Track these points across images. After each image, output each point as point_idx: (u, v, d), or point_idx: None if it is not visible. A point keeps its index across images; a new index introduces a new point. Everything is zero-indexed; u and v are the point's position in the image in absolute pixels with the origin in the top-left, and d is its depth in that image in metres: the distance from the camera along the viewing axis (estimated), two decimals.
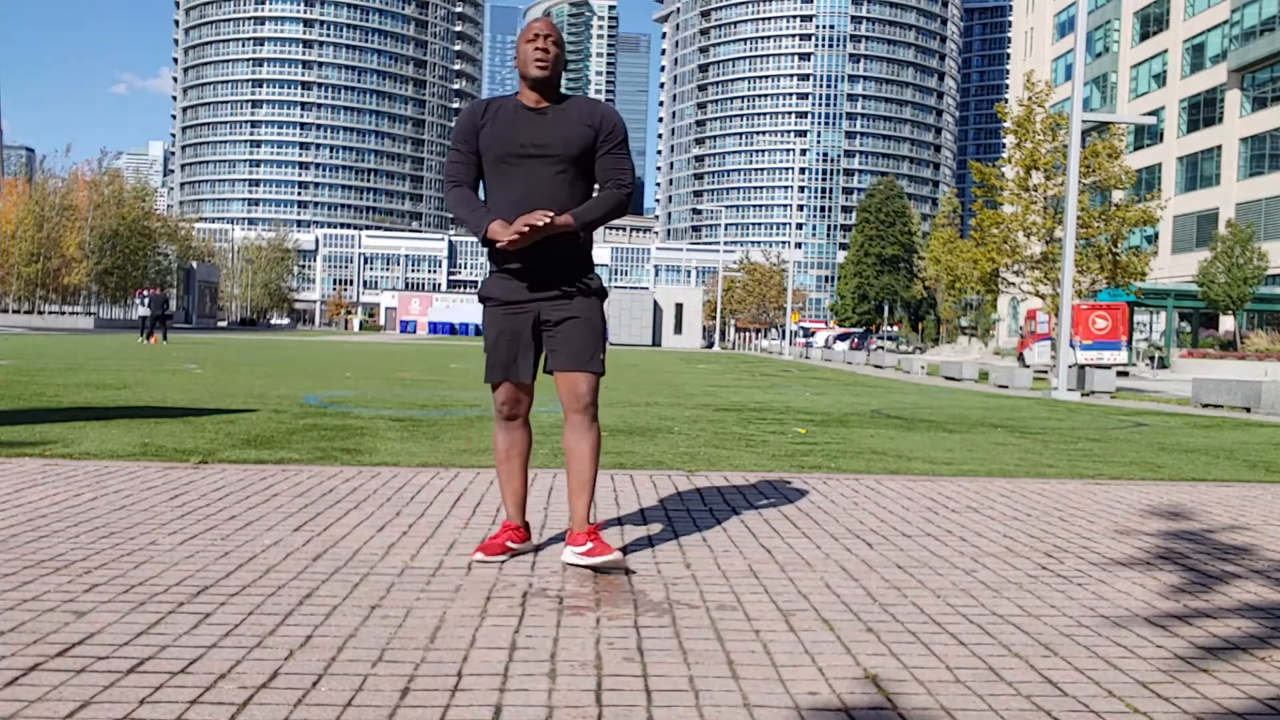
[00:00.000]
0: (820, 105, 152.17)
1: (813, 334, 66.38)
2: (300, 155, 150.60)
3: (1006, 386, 17.77)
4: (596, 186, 3.37)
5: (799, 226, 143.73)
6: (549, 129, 3.24)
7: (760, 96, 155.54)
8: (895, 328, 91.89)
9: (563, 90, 3.37)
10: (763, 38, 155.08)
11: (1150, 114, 55.40)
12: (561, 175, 3.24)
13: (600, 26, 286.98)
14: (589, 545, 3.18)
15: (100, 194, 59.66)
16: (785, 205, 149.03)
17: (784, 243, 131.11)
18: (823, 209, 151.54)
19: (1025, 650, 2.53)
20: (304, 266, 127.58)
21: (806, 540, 3.80)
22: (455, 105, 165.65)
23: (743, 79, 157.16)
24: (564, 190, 3.24)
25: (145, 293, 31.37)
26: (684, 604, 2.85)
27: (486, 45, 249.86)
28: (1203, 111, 53.38)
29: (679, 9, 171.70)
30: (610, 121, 3.31)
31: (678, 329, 59.23)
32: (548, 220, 3.06)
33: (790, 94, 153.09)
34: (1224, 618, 2.90)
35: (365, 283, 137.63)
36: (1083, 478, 5.88)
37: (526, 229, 3.06)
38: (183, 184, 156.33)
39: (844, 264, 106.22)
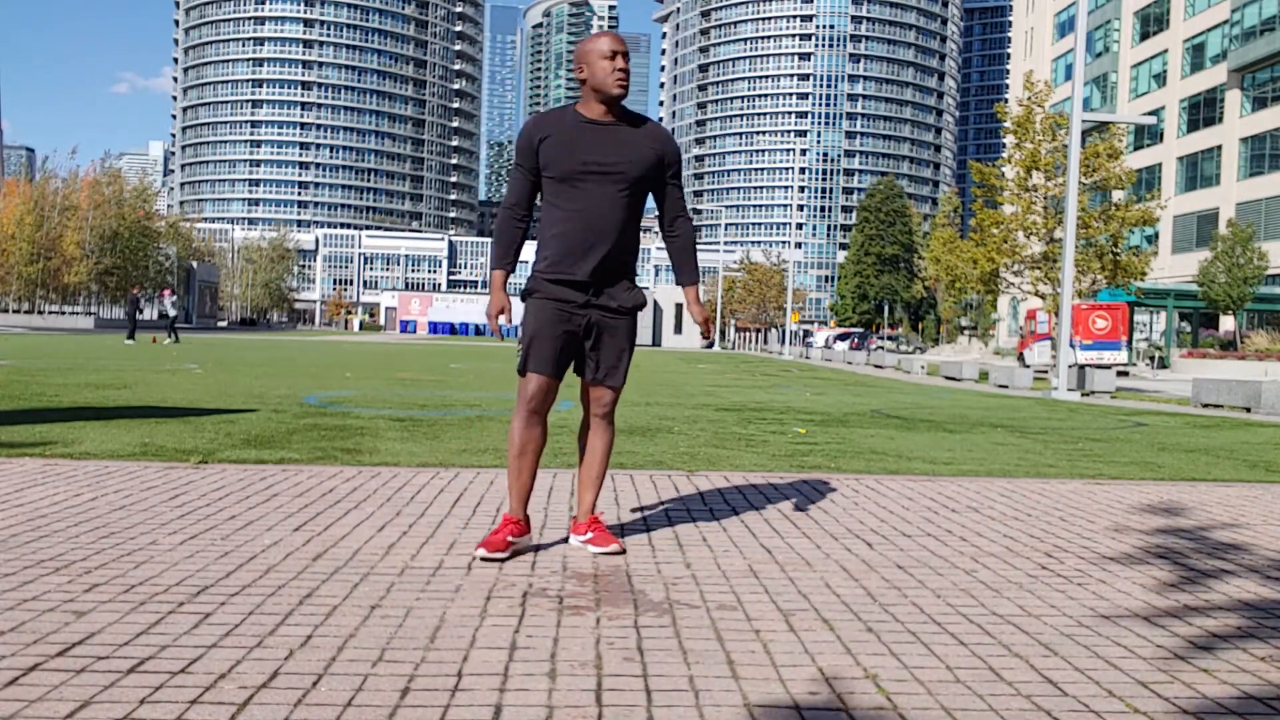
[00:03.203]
0: (820, 105, 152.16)
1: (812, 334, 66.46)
2: (300, 155, 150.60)
3: (1006, 386, 17.77)
4: (659, 215, 3.52)
5: (799, 226, 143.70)
6: (618, 147, 3.30)
7: (760, 96, 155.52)
8: (897, 330, 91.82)
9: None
10: (763, 38, 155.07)
11: (1150, 114, 55.39)
12: (624, 194, 3.32)
13: (600, 26, 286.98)
14: (590, 535, 3.49)
15: (101, 194, 59.70)
16: (785, 205, 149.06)
17: (784, 243, 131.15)
18: (823, 209, 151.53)
19: (1025, 650, 2.53)
20: (304, 266, 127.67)
21: (806, 540, 3.80)
22: (455, 105, 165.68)
23: (743, 79, 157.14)
24: (623, 210, 3.33)
25: (165, 294, 31.49)
26: (684, 604, 2.85)
27: (486, 45, 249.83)
28: (1203, 111, 53.38)
29: (679, 9, 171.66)
30: (676, 152, 3.45)
31: (678, 329, 59.22)
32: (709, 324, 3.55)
33: (790, 94, 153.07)
34: (1224, 618, 2.90)
35: (365, 283, 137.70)
36: (1083, 478, 5.88)
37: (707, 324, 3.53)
38: (183, 184, 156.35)
39: (844, 264, 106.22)
